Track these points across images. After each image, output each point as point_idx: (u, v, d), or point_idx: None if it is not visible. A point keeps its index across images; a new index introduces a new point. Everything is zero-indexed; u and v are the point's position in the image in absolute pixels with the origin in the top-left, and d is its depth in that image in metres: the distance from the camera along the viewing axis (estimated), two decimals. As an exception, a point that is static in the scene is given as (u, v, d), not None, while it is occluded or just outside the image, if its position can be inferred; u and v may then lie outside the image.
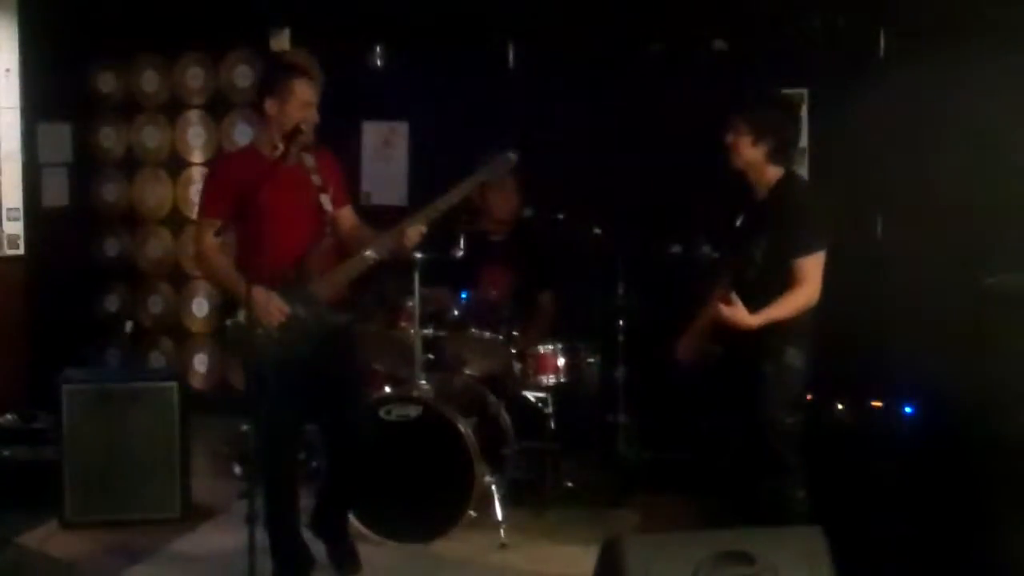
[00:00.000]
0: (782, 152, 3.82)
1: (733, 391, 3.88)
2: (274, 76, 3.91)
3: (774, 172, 3.82)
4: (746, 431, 3.83)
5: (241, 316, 3.72)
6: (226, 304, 3.89)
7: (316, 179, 3.88)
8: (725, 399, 3.97)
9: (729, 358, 3.88)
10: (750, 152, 3.80)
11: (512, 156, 3.88)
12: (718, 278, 3.91)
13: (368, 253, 3.85)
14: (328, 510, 4.19)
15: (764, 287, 3.70)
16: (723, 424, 4.05)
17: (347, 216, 4.05)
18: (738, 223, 3.94)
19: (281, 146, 3.79)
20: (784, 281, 3.71)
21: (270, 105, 3.83)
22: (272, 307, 3.74)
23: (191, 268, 6.57)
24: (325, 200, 3.88)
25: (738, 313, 3.65)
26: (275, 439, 3.88)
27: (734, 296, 3.64)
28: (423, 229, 3.84)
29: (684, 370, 4.13)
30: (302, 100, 3.81)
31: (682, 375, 4.21)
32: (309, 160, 3.91)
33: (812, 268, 3.71)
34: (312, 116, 3.85)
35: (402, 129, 6.12)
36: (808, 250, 3.71)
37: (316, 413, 4.12)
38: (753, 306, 3.64)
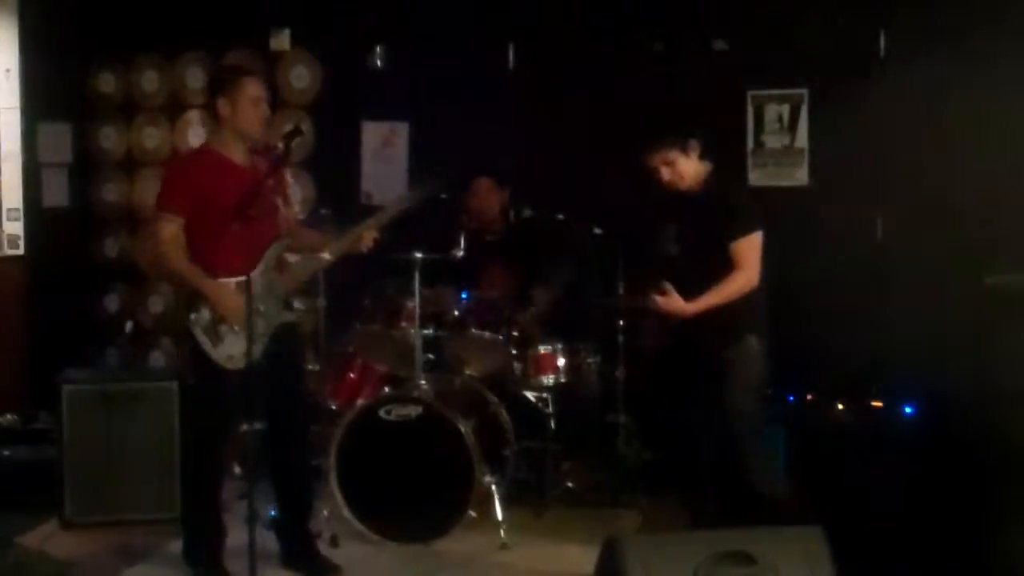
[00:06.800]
0: (706, 148, 4.01)
1: (697, 384, 3.98)
2: (223, 77, 4.08)
3: (703, 168, 4.01)
4: (711, 422, 3.94)
5: (205, 312, 3.89)
6: (188, 300, 3.95)
7: (270, 180, 3.95)
8: (689, 393, 4.05)
9: (689, 350, 3.97)
10: (688, 165, 4.01)
11: (440, 181, 4.20)
12: (650, 274, 4.01)
13: (325, 254, 4.04)
14: (287, 515, 4.18)
15: (702, 277, 3.83)
16: (688, 418, 4.15)
17: (289, 216, 4.18)
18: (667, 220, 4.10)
19: (281, 146, 3.85)
20: (720, 269, 3.83)
21: (222, 105, 3.96)
22: (234, 302, 3.84)
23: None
24: (280, 201, 4.04)
25: (674, 303, 3.80)
26: (215, 434, 4.02)
27: (668, 287, 3.79)
28: (376, 234, 4.03)
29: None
30: (252, 97, 3.96)
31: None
32: (260, 162, 4.02)
33: (747, 251, 3.83)
34: (264, 111, 4.01)
35: (402, 129, 6.11)
36: (741, 233, 3.83)
37: (264, 410, 4.15)
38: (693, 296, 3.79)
